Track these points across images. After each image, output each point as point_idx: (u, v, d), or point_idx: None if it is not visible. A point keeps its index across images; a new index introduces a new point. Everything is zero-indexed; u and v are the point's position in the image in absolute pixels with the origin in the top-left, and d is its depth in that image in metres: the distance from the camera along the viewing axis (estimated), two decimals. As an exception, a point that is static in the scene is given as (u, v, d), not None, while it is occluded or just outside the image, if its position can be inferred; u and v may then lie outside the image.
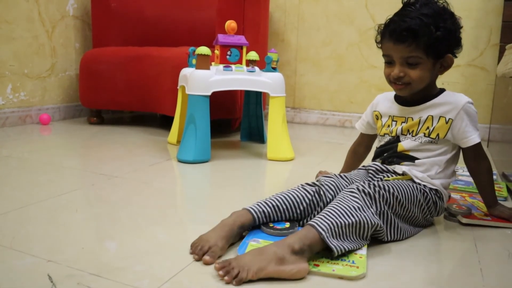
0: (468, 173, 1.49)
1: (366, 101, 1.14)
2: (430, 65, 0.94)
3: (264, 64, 1.67)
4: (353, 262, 0.78)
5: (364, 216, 0.82)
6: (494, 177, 1.43)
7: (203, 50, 1.52)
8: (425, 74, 0.95)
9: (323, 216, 0.80)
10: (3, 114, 2.09)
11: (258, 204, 0.91)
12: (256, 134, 1.95)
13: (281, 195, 0.94)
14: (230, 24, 1.58)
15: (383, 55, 0.99)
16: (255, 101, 1.92)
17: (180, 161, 1.52)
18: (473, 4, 2.22)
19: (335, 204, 0.83)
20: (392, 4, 1.00)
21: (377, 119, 1.09)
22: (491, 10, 2.19)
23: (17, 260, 0.76)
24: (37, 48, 2.24)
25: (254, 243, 0.83)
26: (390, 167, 1.00)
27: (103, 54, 2.19)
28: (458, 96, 0.98)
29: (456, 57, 0.97)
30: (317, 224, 0.78)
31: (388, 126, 1.05)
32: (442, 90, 1.00)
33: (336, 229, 0.78)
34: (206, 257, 0.77)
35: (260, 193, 1.26)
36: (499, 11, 2.15)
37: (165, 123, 2.36)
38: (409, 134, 1.00)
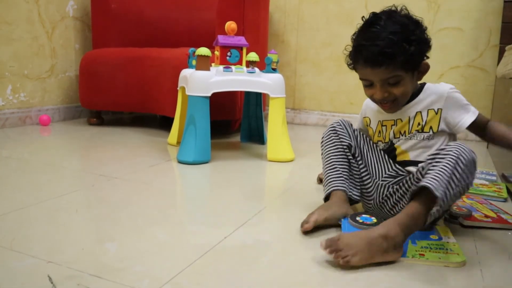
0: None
1: (366, 102, 1.14)
2: (410, 77, 0.94)
3: (264, 65, 1.67)
4: (451, 250, 0.84)
5: (470, 181, 0.84)
6: (494, 178, 1.44)
7: (203, 51, 1.52)
8: (408, 87, 0.94)
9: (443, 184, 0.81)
10: (3, 115, 2.09)
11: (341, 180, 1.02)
12: (256, 135, 1.96)
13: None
14: (230, 25, 1.58)
15: (361, 79, 0.97)
16: (255, 102, 1.92)
17: (180, 162, 1.52)
18: (473, 5, 2.23)
19: (449, 168, 0.82)
20: (391, 5, 1.00)
21: (367, 125, 1.09)
22: (491, 11, 2.20)
23: (17, 261, 0.76)
24: (37, 49, 2.25)
25: None
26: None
27: (103, 55, 2.19)
28: (439, 87, 0.97)
29: (428, 57, 0.96)
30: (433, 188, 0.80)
31: (379, 132, 1.05)
32: (423, 85, 1.00)
33: (447, 197, 0.81)
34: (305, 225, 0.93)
35: (260, 194, 1.26)
36: (499, 12, 2.15)
37: (165, 124, 2.35)
38: (402, 135, 1.00)
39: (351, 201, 1.04)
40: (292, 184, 1.36)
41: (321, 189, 1.28)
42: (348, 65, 1.00)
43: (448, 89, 0.96)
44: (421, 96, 0.98)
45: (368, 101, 1.09)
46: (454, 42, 2.27)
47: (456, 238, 0.94)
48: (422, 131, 0.97)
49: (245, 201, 1.15)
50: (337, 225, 0.95)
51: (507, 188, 1.31)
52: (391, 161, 1.01)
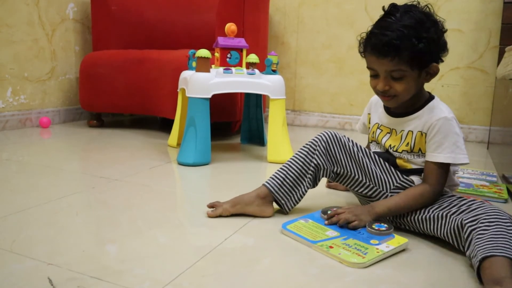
0: (468, 175, 1.49)
1: (366, 104, 1.15)
2: (415, 76, 0.92)
3: (264, 67, 1.67)
4: (365, 253, 0.80)
5: None
6: (494, 179, 1.44)
7: (203, 52, 1.52)
8: (411, 86, 0.92)
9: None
10: (3, 118, 2.09)
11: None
12: (256, 136, 1.96)
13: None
14: (230, 26, 1.58)
15: (368, 67, 0.96)
16: (255, 104, 1.92)
17: (180, 163, 1.52)
18: (473, 6, 2.23)
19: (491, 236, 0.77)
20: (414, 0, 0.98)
21: (369, 122, 1.09)
22: (491, 12, 2.20)
23: (17, 263, 0.76)
24: (37, 51, 2.25)
25: (303, 221, 0.96)
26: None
27: (103, 57, 2.20)
28: (437, 111, 0.94)
29: (442, 61, 0.95)
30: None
31: (373, 133, 1.05)
32: (429, 100, 0.97)
33: None
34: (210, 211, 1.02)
35: (260, 196, 1.26)
36: (499, 13, 2.15)
37: (165, 126, 2.36)
38: (391, 149, 1.00)
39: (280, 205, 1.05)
40: (292, 185, 1.36)
41: (320, 191, 1.28)
42: (360, 52, 0.98)
43: (440, 117, 0.92)
44: (419, 112, 0.96)
45: (373, 99, 1.09)
46: (454, 44, 2.27)
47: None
48: (412, 151, 0.97)
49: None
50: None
51: (508, 189, 1.31)
52: (397, 172, 1.00)
